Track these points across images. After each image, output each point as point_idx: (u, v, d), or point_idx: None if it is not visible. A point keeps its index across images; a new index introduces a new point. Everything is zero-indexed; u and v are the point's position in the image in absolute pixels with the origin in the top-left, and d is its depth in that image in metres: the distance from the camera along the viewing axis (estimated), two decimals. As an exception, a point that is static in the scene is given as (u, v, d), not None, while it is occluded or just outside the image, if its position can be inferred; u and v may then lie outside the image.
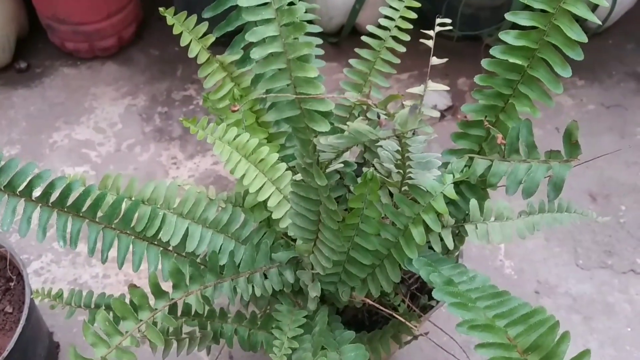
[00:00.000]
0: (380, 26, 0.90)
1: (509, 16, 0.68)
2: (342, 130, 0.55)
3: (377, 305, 0.80)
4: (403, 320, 0.79)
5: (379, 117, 0.79)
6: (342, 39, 1.79)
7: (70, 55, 1.84)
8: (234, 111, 0.55)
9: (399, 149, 0.61)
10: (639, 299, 1.26)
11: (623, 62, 1.76)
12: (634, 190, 1.45)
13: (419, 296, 0.97)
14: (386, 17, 0.89)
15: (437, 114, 0.64)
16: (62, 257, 1.35)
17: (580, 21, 0.65)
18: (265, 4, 0.55)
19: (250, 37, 0.55)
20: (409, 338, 0.91)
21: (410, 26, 0.89)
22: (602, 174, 1.48)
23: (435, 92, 1.67)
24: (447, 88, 0.67)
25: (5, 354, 0.95)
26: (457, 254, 0.93)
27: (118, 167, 1.54)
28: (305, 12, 0.84)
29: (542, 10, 0.66)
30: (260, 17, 0.54)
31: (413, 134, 0.61)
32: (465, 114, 0.70)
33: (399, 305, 0.87)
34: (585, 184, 1.46)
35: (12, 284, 1.09)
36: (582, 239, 1.36)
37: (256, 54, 0.55)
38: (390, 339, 0.87)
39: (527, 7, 0.67)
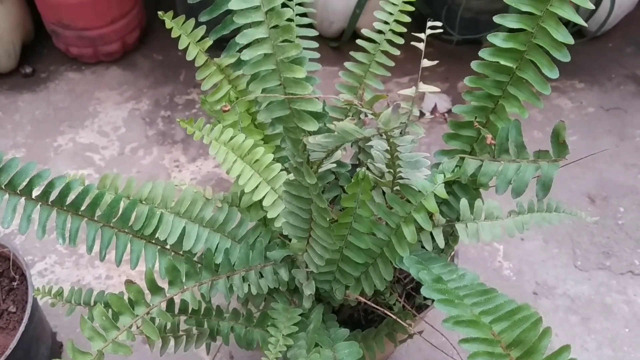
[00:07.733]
0: (376, 30, 0.91)
1: (497, 19, 0.69)
2: (331, 130, 0.56)
3: (371, 304, 0.81)
4: (397, 319, 0.80)
5: (366, 116, 0.81)
6: (343, 44, 1.81)
7: (74, 60, 1.86)
8: (224, 111, 0.56)
9: (388, 148, 0.63)
10: (636, 300, 1.26)
11: (622, 65, 1.77)
12: (633, 192, 1.45)
13: (415, 296, 0.98)
14: (381, 21, 0.91)
15: (417, 114, 0.66)
16: (66, 259, 1.37)
17: (577, 26, 0.66)
18: (256, 7, 0.57)
19: (240, 39, 0.56)
20: (404, 337, 0.92)
21: (405, 30, 0.90)
22: (600, 176, 1.49)
23: (436, 96, 1.69)
24: (438, 90, 0.68)
25: (7, 352, 0.97)
26: (452, 253, 0.94)
27: (121, 170, 1.56)
28: (305, 15, 0.86)
29: (530, 13, 0.68)
30: (251, 19, 0.56)
31: (401, 133, 0.62)
32: (441, 112, 0.72)
33: (394, 304, 0.88)
34: (584, 185, 1.47)
35: (15, 283, 1.11)
36: (580, 240, 1.37)
37: (246, 55, 0.56)
38: (385, 337, 0.88)
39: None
